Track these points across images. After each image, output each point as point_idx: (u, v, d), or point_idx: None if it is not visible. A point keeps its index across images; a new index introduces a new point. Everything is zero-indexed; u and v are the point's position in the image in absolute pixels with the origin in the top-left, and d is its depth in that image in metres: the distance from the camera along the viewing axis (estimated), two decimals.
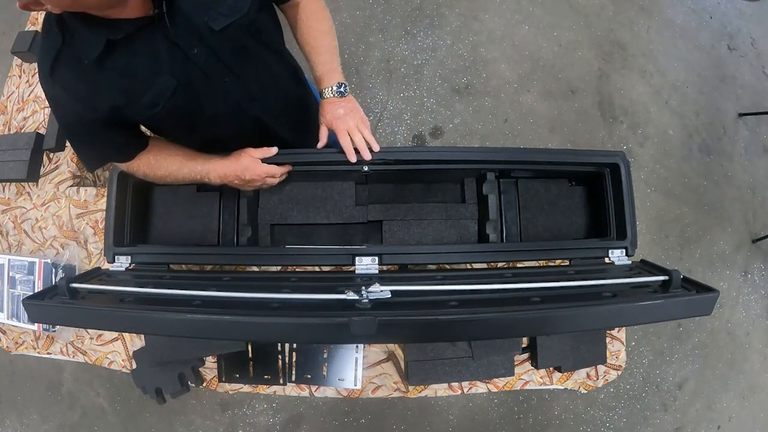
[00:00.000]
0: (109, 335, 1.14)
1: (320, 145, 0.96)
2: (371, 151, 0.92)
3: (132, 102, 0.77)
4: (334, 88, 0.92)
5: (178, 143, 0.95)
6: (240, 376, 1.07)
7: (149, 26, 0.71)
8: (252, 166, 0.91)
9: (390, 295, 0.73)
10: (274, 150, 0.93)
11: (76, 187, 1.24)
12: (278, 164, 0.95)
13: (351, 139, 0.92)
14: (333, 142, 0.96)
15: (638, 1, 2.43)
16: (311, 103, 1.12)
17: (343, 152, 0.92)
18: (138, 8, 0.69)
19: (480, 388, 1.07)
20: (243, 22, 0.79)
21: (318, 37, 0.94)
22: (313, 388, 1.07)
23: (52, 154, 1.29)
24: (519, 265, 1.03)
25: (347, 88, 0.94)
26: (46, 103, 1.33)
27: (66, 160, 1.27)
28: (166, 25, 0.71)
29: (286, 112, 1.02)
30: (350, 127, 0.92)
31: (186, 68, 0.77)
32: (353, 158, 0.91)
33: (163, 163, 0.91)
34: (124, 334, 1.13)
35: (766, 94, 2.43)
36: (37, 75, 1.38)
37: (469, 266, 1.09)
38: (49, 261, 1.15)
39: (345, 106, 0.93)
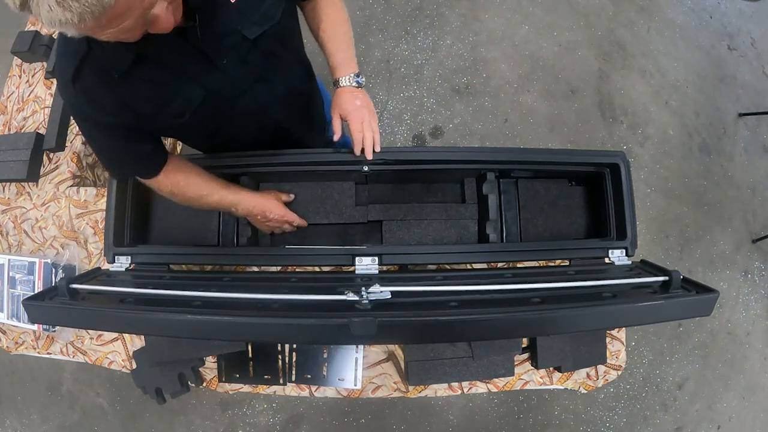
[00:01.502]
0: (109, 335, 1.14)
1: (337, 137, 0.92)
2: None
3: (158, 111, 0.76)
4: (353, 77, 0.90)
5: (193, 145, 0.94)
6: (240, 376, 1.07)
7: (179, 37, 0.69)
8: (277, 208, 0.99)
9: (390, 296, 0.73)
10: (293, 196, 1.06)
11: (76, 187, 1.24)
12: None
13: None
14: (330, 138, 0.96)
15: (638, 1, 2.42)
16: (317, 98, 1.12)
17: (342, 151, 0.92)
18: (170, 20, 0.65)
19: (480, 388, 1.07)
20: (275, 29, 0.78)
21: (335, 25, 0.92)
22: (313, 388, 1.07)
23: (52, 154, 1.28)
24: (519, 265, 1.03)
25: (363, 79, 0.92)
26: (47, 102, 1.34)
27: (66, 160, 1.27)
28: (197, 36, 0.69)
29: (300, 110, 1.02)
30: (365, 119, 0.90)
31: (215, 78, 0.76)
32: (359, 151, 0.90)
33: (193, 187, 0.90)
34: (124, 334, 1.13)
35: (766, 94, 2.43)
36: (37, 75, 1.39)
37: (469, 266, 1.09)
38: (49, 261, 1.15)
39: (361, 98, 0.91)
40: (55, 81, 1.35)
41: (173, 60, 0.72)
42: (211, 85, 0.77)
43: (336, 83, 0.92)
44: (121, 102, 0.73)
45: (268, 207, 0.98)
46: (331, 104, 0.93)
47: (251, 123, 0.91)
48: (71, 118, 1.31)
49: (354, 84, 0.91)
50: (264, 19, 0.76)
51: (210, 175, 0.93)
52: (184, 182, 0.90)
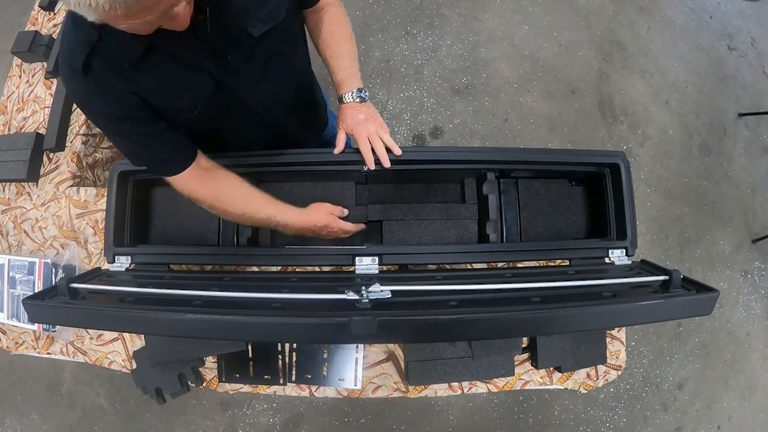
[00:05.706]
0: (109, 335, 1.14)
1: (337, 150, 0.94)
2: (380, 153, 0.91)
3: (171, 105, 0.76)
4: (355, 93, 0.91)
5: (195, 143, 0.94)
6: (240, 376, 1.07)
7: (187, 30, 0.68)
8: (331, 223, 0.95)
9: (390, 295, 0.73)
10: (346, 211, 1.00)
11: (76, 187, 1.24)
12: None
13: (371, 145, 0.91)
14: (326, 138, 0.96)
15: (638, 1, 2.43)
16: (318, 100, 1.13)
17: (358, 154, 0.92)
18: (187, 18, 0.64)
19: (480, 388, 1.06)
20: (279, 29, 0.79)
21: (340, 42, 0.93)
22: (313, 388, 1.07)
23: (52, 154, 1.28)
24: (519, 265, 1.03)
25: (367, 93, 0.93)
26: (47, 102, 1.34)
27: (66, 160, 1.27)
28: (207, 30, 0.70)
29: (302, 112, 1.03)
30: (371, 132, 0.91)
31: (219, 73, 0.77)
32: (372, 165, 0.91)
33: (238, 202, 0.88)
34: (124, 334, 1.12)
35: (766, 94, 2.43)
36: (37, 75, 1.39)
37: (469, 266, 1.09)
38: (49, 261, 1.15)
39: (366, 112, 0.92)
40: (55, 81, 1.35)
41: (183, 52, 0.72)
42: (220, 77, 0.77)
43: (340, 100, 0.93)
44: (132, 92, 0.72)
45: (319, 225, 0.94)
46: (337, 120, 0.95)
47: (252, 121, 0.91)
48: (71, 118, 1.31)
49: (357, 99, 0.91)
50: (269, 17, 0.76)
51: (252, 187, 0.89)
52: (227, 197, 0.87)
